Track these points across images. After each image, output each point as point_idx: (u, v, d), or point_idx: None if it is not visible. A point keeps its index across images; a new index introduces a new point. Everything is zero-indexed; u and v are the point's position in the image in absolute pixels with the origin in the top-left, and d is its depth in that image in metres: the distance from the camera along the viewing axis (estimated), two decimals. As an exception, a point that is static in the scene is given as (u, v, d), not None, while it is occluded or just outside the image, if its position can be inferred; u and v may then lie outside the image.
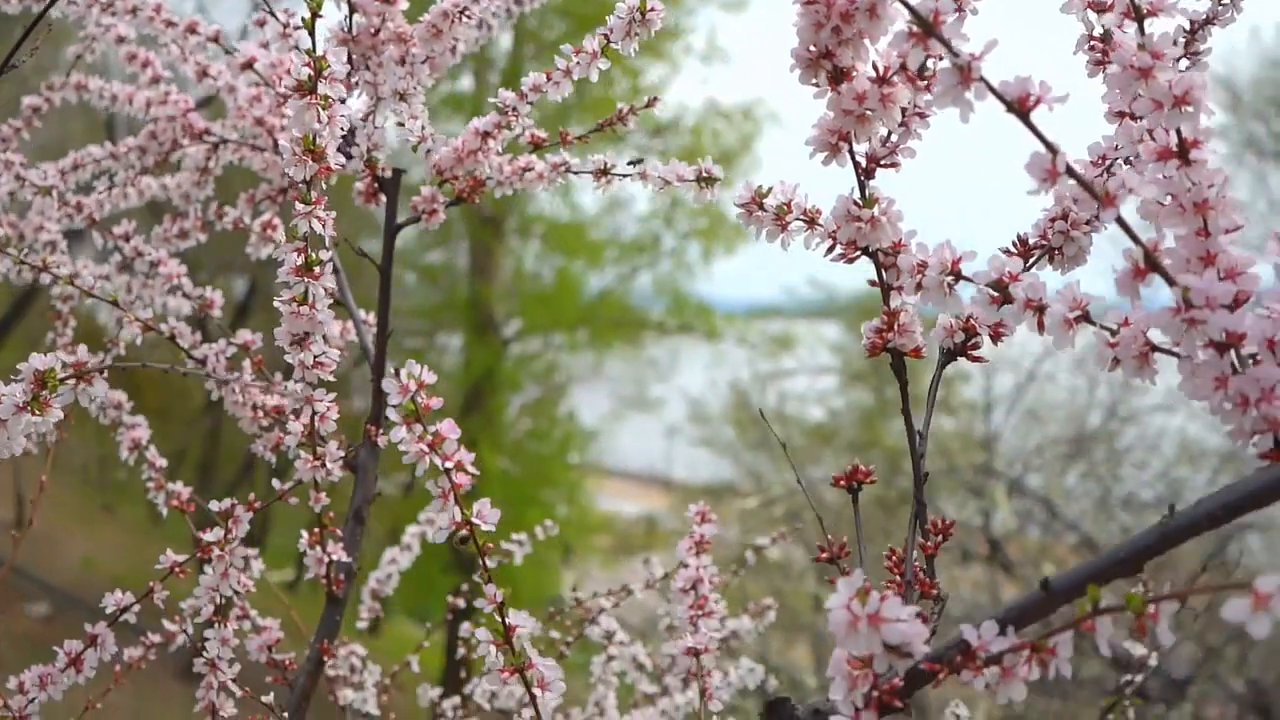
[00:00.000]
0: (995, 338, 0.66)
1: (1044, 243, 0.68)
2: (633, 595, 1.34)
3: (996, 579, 6.92)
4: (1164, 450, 7.61)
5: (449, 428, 0.62)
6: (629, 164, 0.95)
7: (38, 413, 0.67)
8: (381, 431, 0.94)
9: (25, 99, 1.31)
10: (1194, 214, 0.53)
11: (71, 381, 0.65)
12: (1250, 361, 0.51)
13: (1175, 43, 0.68)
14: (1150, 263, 0.51)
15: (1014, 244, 0.68)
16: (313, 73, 0.68)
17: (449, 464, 0.61)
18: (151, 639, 1.10)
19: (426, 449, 0.61)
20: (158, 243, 1.16)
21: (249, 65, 1.04)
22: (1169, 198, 0.53)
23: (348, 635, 1.44)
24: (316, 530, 0.95)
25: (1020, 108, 0.50)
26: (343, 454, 0.90)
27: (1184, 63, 0.70)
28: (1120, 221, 0.50)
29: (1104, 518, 6.66)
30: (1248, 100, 9.31)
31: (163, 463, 1.08)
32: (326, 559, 0.95)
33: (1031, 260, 0.68)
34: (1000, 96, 0.50)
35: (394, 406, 0.60)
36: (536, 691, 0.63)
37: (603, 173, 0.93)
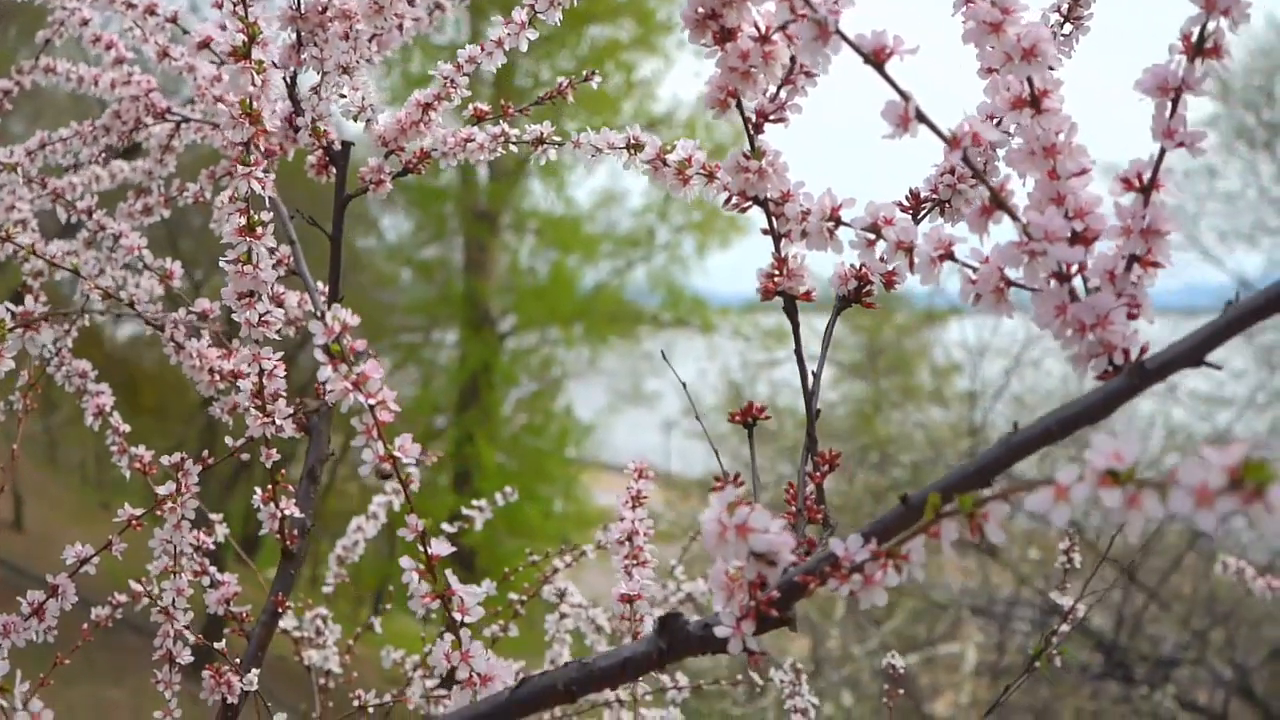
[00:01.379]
0: (888, 285, 0.70)
1: (934, 196, 0.72)
2: (586, 556, 1.39)
3: (987, 567, 6.99)
4: (1154, 439, 7.67)
5: (372, 368, 0.66)
6: (629, 144, 0.91)
7: (-11, 362, 0.71)
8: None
9: (-2, 82, 1.35)
10: (1044, 158, 0.57)
11: (19, 330, 0.69)
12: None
13: (1058, 8, 0.73)
14: (996, 201, 0.55)
15: (906, 197, 0.73)
16: (247, 38, 0.73)
17: (373, 401, 0.66)
18: (118, 598, 1.14)
19: (351, 387, 0.65)
20: (122, 219, 1.21)
21: (205, 45, 1.08)
22: (1023, 143, 0.58)
23: (349, 633, 1.48)
24: (270, 487, 0.99)
25: (876, 59, 0.55)
26: (292, 412, 0.94)
27: (1067, 26, 0.74)
28: (967, 162, 0.55)
29: (1091, 503, 6.68)
30: (1237, 90, 9.35)
31: (126, 428, 1.13)
32: (280, 514, 1.00)
33: (923, 213, 0.72)
34: (857, 49, 0.54)
35: (319, 347, 0.65)
36: (457, 616, 0.68)
37: (539, 141, 0.98)
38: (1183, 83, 0.55)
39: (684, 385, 0.94)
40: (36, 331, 0.69)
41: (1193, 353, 0.50)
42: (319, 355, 0.66)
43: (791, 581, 0.57)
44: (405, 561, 0.68)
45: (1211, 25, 0.55)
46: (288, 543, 1.02)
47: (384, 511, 1.51)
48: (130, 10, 1.14)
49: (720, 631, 0.58)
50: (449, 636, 0.68)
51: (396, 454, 0.67)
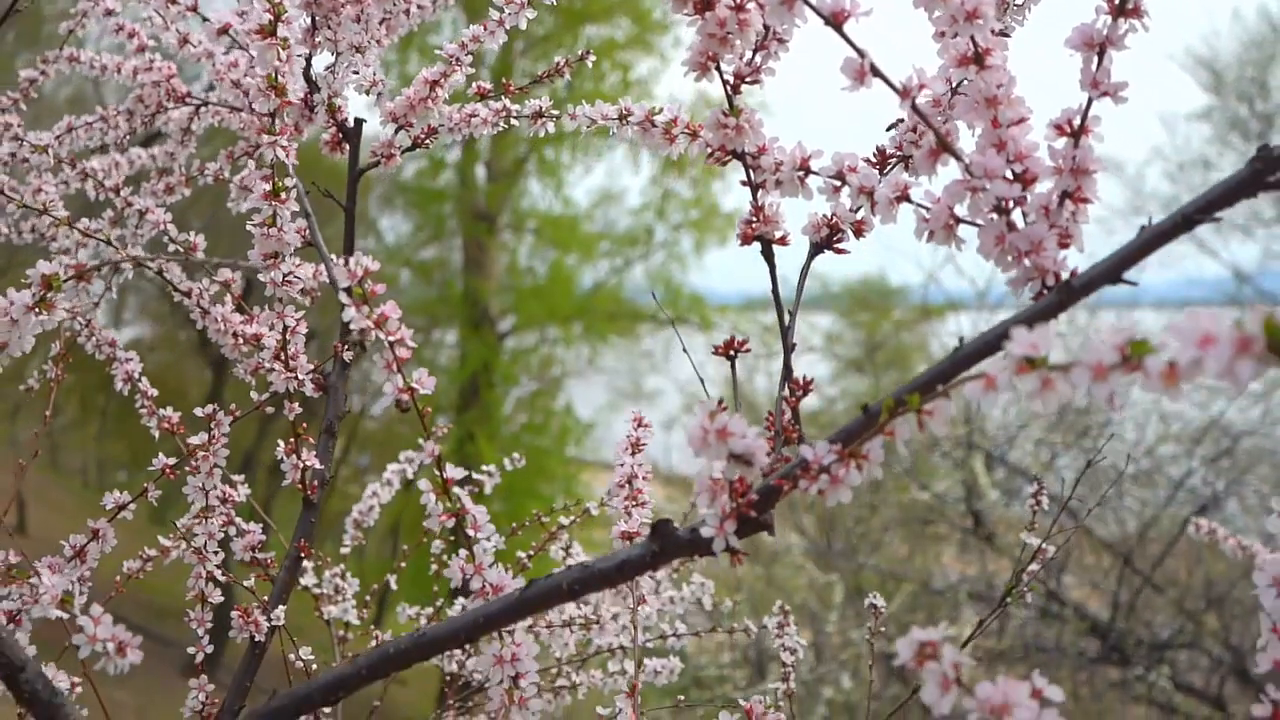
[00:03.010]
0: (857, 233, 0.78)
1: (898, 152, 0.79)
2: (590, 514, 1.46)
3: (986, 554, 7.07)
4: (1149, 429, 7.75)
5: (391, 308, 0.74)
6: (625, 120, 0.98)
7: (44, 312, 0.79)
8: (349, 349, 1.05)
9: (21, 71, 1.42)
10: (987, 108, 0.64)
11: (73, 281, 0.76)
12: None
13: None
14: (942, 144, 0.63)
15: (874, 153, 0.80)
16: (273, 17, 0.80)
17: (392, 338, 0.73)
18: (147, 552, 1.22)
19: (373, 325, 0.73)
20: (147, 197, 1.28)
21: (224, 31, 1.16)
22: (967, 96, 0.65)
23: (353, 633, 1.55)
24: (292, 440, 1.07)
25: (836, 21, 0.62)
26: (313, 368, 1.02)
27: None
28: (916, 110, 0.62)
29: (1086, 490, 6.79)
30: (1231, 82, 9.42)
31: (154, 391, 1.20)
32: (301, 465, 1.07)
33: (889, 167, 0.80)
34: (818, 12, 0.62)
35: (344, 290, 0.72)
36: (471, 532, 0.75)
37: (538, 115, 1.05)
38: (1106, 39, 0.63)
39: (700, 378, 1.00)
40: (89, 281, 0.77)
41: (1111, 271, 0.58)
42: (343, 298, 0.73)
43: (768, 485, 0.65)
44: (423, 484, 0.76)
45: (1133, -12, 0.62)
46: (308, 493, 1.10)
47: (398, 479, 1.58)
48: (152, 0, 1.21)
49: (705, 532, 0.66)
50: (463, 551, 0.76)
51: (415, 385, 0.74)
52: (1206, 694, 6.01)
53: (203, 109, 1.29)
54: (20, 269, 0.81)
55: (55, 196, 1.37)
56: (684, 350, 1.06)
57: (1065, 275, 0.62)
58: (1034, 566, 1.14)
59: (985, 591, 5.87)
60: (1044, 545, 1.16)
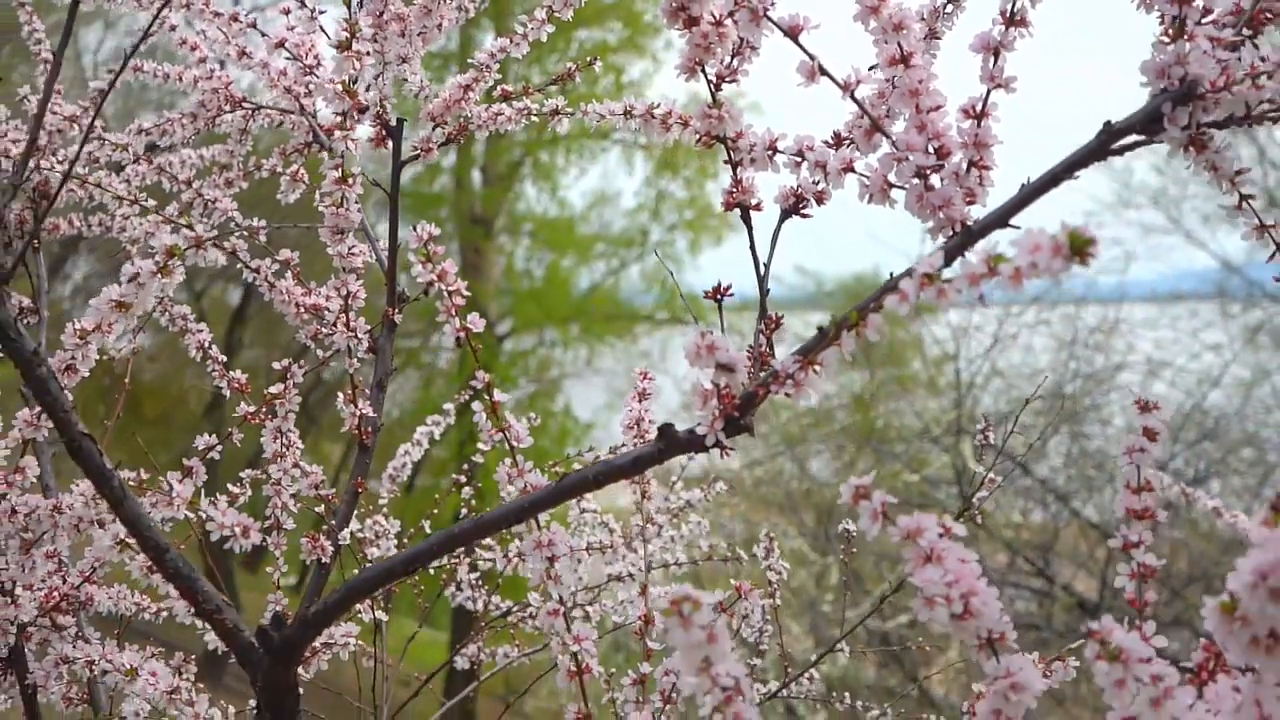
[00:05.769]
0: (819, 201, 0.97)
1: (850, 135, 0.99)
2: (598, 455, 1.66)
3: (977, 536, 7.27)
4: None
5: (450, 265, 0.93)
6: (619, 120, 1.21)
7: (165, 276, 0.98)
8: (398, 312, 1.25)
9: (91, 83, 1.62)
10: (910, 98, 0.84)
11: (192, 249, 0.95)
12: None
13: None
14: (875, 126, 0.82)
15: (832, 135, 0.99)
16: (349, 34, 0.99)
17: (451, 289, 0.93)
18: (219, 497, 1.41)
19: (436, 279, 0.92)
20: (213, 189, 1.47)
21: (281, 44, 1.35)
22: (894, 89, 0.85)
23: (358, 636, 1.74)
24: (350, 391, 1.26)
25: (792, 33, 0.82)
26: (370, 329, 1.21)
27: (950, 6, 1.01)
28: (855, 100, 0.82)
29: (1074, 474, 7.01)
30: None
31: (223, 358, 1.39)
32: (358, 413, 1.26)
33: (844, 147, 0.99)
34: (779, 26, 0.81)
35: (413, 250, 0.91)
36: (514, 443, 0.95)
37: (555, 113, 1.25)
38: (1000, 43, 0.82)
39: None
40: (205, 250, 0.95)
41: (1000, 219, 0.77)
42: (411, 257, 0.92)
43: (748, 392, 0.84)
44: (476, 405, 0.95)
45: (1020, 4, 0.82)
46: (364, 438, 1.29)
47: (427, 439, 1.78)
48: (217, 18, 1.40)
49: (699, 430, 0.85)
50: (508, 460, 0.95)
51: (469, 325, 0.94)
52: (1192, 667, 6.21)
53: (258, 112, 1.48)
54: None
55: (137, 190, 1.57)
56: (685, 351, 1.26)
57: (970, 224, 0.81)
58: (982, 493, 1.33)
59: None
60: (990, 475, 1.35)
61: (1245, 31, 0.78)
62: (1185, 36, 0.75)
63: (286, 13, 1.38)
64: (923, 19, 0.94)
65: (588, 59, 1.30)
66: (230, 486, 1.22)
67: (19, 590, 1.11)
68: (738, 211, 0.98)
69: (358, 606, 1.66)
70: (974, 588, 0.68)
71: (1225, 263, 9.37)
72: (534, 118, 1.27)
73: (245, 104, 1.51)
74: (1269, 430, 7.90)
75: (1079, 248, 0.59)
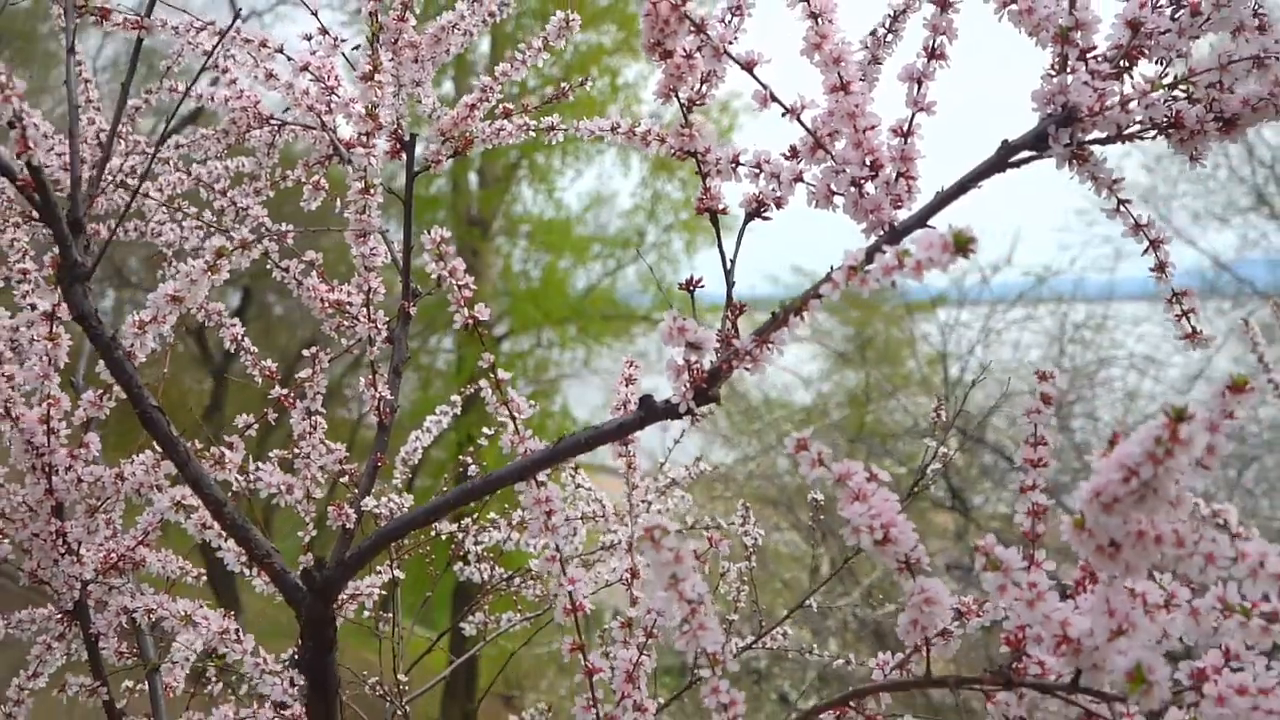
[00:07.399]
0: (778, 205, 1.13)
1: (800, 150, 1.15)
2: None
3: (967, 528, 7.45)
4: (1135, 410, 8.16)
5: (459, 262, 1.09)
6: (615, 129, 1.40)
7: (214, 273, 1.14)
8: (412, 305, 1.41)
9: (130, 101, 1.78)
10: (849, 120, 1.00)
11: (239, 249, 1.11)
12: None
13: (874, 32, 1.16)
14: (817, 144, 0.98)
15: (789, 148, 1.15)
16: (373, 67, 1.15)
17: (460, 283, 1.09)
18: (254, 465, 1.57)
19: (447, 275, 1.08)
20: (241, 197, 1.63)
21: (305, 68, 1.51)
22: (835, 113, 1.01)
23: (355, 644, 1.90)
24: (370, 375, 1.42)
25: (748, 67, 0.98)
26: (388, 320, 1.37)
27: (889, 36, 1.17)
28: (800, 122, 0.98)
29: (1061, 467, 7.18)
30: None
31: (255, 349, 1.55)
32: (378, 396, 1.43)
33: (797, 159, 1.15)
34: (738, 62, 0.98)
35: (427, 250, 1.07)
36: (515, 414, 1.11)
37: (552, 128, 1.41)
38: (922, 73, 0.98)
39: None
40: (250, 250, 1.11)
41: (919, 220, 0.94)
42: (427, 256, 1.09)
43: (714, 366, 1.00)
44: (483, 382, 1.11)
45: (939, 40, 0.98)
46: (383, 418, 1.45)
47: (436, 426, 1.94)
48: (247, 44, 1.56)
49: (674, 399, 1.01)
50: (510, 427, 1.11)
51: (476, 314, 1.10)
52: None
53: (283, 128, 1.64)
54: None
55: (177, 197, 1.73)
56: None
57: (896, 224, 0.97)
58: (935, 466, 1.49)
59: (959, 560, 6.24)
60: (943, 447, 1.51)
61: (1124, 64, 0.94)
62: (1067, 70, 0.91)
63: (308, 39, 1.54)
64: (865, 47, 1.10)
65: (579, 80, 1.46)
66: (270, 454, 1.38)
67: (84, 550, 1.27)
68: (729, 219, 1.15)
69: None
70: (893, 520, 0.84)
71: (1215, 260, 9.53)
72: (532, 133, 1.44)
73: (272, 121, 1.67)
74: (1252, 425, 8.07)
75: (962, 245, 0.75)
